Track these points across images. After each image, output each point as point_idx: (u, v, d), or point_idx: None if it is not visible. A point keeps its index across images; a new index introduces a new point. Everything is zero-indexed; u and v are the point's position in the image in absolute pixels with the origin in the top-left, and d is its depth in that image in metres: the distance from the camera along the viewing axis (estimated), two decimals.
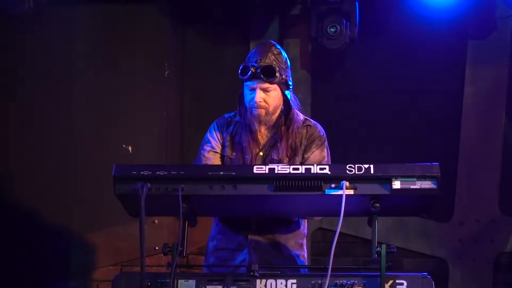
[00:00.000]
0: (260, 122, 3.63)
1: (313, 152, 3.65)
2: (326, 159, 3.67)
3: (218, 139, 3.73)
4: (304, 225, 3.75)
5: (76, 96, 5.25)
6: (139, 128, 5.38)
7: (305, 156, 3.65)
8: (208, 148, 3.71)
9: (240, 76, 3.62)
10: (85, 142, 5.24)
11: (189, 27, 5.88)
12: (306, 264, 3.75)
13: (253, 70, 3.56)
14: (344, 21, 5.36)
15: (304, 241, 3.74)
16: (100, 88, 5.31)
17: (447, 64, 5.75)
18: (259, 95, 3.58)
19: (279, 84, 3.61)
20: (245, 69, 3.59)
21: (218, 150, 3.71)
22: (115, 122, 5.33)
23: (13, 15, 5.09)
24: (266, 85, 3.58)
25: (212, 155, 3.69)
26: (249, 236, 3.61)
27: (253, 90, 3.60)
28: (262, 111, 3.61)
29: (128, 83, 5.37)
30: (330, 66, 5.85)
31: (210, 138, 3.74)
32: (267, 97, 3.60)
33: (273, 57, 3.60)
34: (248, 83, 3.61)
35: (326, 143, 3.71)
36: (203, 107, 5.72)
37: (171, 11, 5.62)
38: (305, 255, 3.73)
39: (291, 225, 3.66)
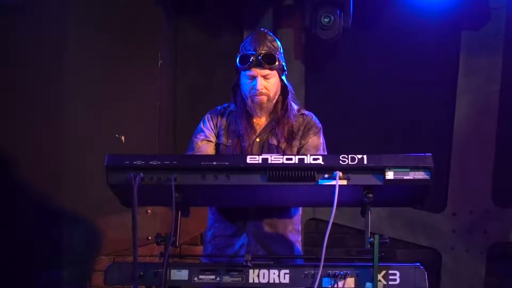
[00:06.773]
0: (261, 109, 3.65)
1: (310, 138, 3.68)
2: (322, 146, 3.70)
3: (212, 129, 3.73)
4: (300, 211, 3.77)
5: (69, 86, 5.23)
6: (132, 118, 5.37)
7: (303, 142, 3.67)
8: (201, 137, 3.71)
9: (239, 65, 3.62)
10: (78, 132, 5.22)
11: (182, 17, 5.87)
12: (302, 250, 3.77)
13: (254, 58, 3.57)
14: (338, 11, 5.35)
15: (300, 227, 3.76)
16: (93, 78, 5.29)
17: (441, 54, 5.75)
18: (261, 83, 3.60)
19: (278, 70, 3.63)
20: (245, 58, 3.59)
21: (212, 139, 3.71)
22: (108, 112, 5.31)
23: (5, 3, 5.06)
24: (267, 72, 3.60)
25: (205, 144, 3.69)
26: (248, 221, 3.61)
27: (253, 78, 3.61)
28: (264, 98, 3.63)
29: (122, 73, 5.35)
30: (324, 56, 5.84)
31: (203, 127, 3.74)
32: (268, 84, 3.62)
33: (269, 44, 3.62)
34: (247, 71, 3.60)
35: (321, 131, 3.74)
36: (196, 97, 5.71)
37: (164, 1, 5.60)
38: (300, 241, 3.75)
39: (289, 210, 3.68)
